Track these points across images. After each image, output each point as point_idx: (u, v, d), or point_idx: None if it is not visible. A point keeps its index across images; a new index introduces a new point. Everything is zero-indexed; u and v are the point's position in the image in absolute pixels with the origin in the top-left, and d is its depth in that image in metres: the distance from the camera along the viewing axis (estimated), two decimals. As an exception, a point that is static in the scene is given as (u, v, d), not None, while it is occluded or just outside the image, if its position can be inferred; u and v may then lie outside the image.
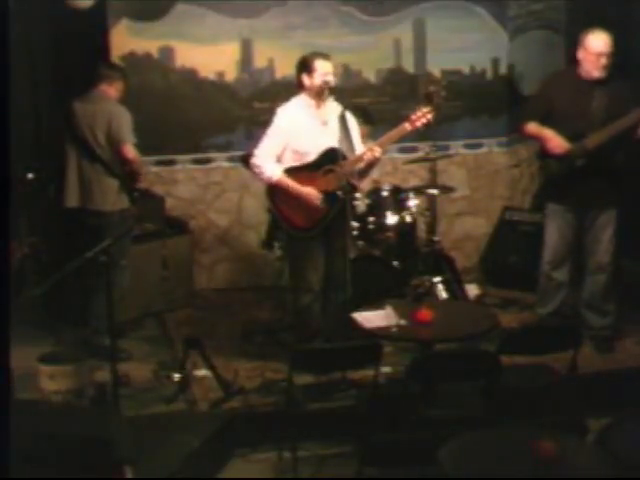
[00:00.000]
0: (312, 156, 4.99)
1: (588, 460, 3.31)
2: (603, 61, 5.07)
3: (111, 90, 5.43)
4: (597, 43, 5.07)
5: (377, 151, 4.86)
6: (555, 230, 5.37)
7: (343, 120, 4.90)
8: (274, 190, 5.08)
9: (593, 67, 5.10)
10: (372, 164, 5.01)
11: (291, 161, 5.01)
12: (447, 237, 6.78)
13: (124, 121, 5.33)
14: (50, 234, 6.02)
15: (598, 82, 5.12)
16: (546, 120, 5.25)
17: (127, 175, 5.40)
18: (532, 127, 5.30)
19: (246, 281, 6.94)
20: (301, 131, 4.98)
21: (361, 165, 4.98)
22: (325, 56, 4.98)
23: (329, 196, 4.96)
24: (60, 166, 5.50)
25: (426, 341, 4.44)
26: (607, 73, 5.10)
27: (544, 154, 5.32)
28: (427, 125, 4.97)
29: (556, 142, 5.17)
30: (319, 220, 5.00)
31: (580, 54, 5.15)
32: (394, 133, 4.96)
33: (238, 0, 6.68)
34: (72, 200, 5.42)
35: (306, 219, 5.02)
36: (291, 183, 4.98)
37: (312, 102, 5.01)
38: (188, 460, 4.18)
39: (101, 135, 5.33)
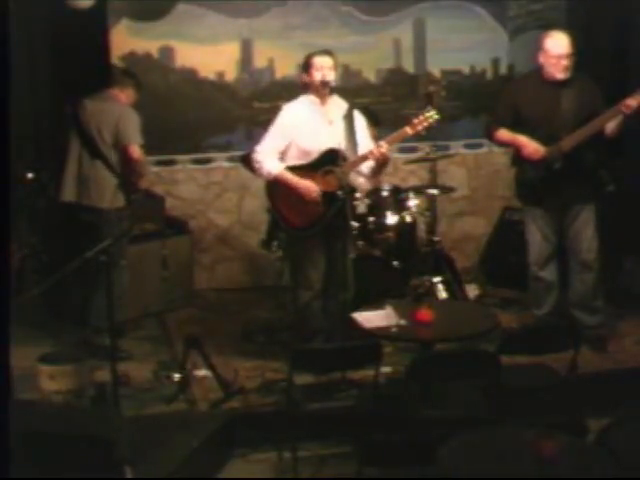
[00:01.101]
0: (315, 155, 4.98)
1: (588, 460, 3.31)
2: (564, 63, 5.05)
3: (122, 95, 5.49)
4: (556, 46, 5.06)
5: (384, 147, 4.81)
6: (536, 231, 5.36)
7: (349, 119, 4.87)
8: (273, 188, 5.07)
9: (555, 69, 5.08)
10: (382, 164, 4.98)
11: (296, 159, 5.00)
12: (447, 237, 6.78)
13: (132, 122, 5.37)
14: (50, 234, 6.02)
15: (564, 83, 5.10)
16: (515, 125, 5.24)
17: (129, 175, 5.42)
18: (503, 134, 5.29)
19: (246, 281, 6.94)
20: (305, 129, 4.96)
21: (368, 164, 4.96)
22: (324, 52, 4.96)
23: (327, 196, 4.95)
24: (60, 162, 5.52)
25: (426, 341, 4.43)
26: (570, 74, 5.09)
27: (519, 160, 5.29)
28: (430, 127, 4.95)
29: (532, 148, 5.15)
30: (316, 220, 4.99)
31: (541, 57, 5.14)
32: (395, 136, 4.93)
33: (238, 0, 6.69)
34: (69, 195, 5.43)
35: (303, 218, 5.01)
36: (290, 177, 4.96)
37: (317, 100, 4.99)
38: (188, 460, 4.18)
39: (107, 134, 5.35)
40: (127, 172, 5.42)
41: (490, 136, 5.41)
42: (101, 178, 5.37)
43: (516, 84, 5.51)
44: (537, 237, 5.37)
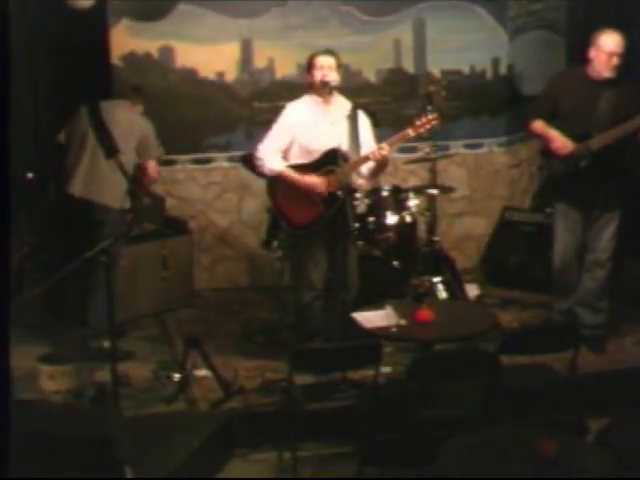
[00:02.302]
0: (317, 154, 4.97)
1: (588, 460, 3.31)
2: (615, 61, 5.06)
3: (133, 109, 5.64)
4: (610, 42, 5.05)
5: (385, 149, 4.81)
6: (564, 228, 5.36)
7: (353, 120, 4.87)
8: (275, 187, 5.08)
9: (604, 67, 5.08)
10: (381, 165, 4.98)
11: (298, 158, 5.01)
12: (447, 237, 6.78)
13: (153, 135, 5.62)
14: (50, 234, 6.02)
15: (607, 82, 5.10)
16: (552, 119, 5.24)
17: (139, 183, 5.61)
18: (538, 125, 5.28)
19: (246, 281, 6.94)
20: (308, 128, 4.97)
21: (368, 165, 4.96)
22: (327, 52, 4.97)
23: (327, 196, 4.95)
24: (62, 157, 5.59)
25: (426, 341, 4.44)
26: (617, 74, 5.10)
27: (548, 153, 5.31)
28: (432, 130, 4.95)
29: (560, 143, 5.16)
30: (316, 219, 4.99)
31: (592, 53, 5.12)
32: (396, 137, 4.93)
33: (238, 0, 6.69)
34: (78, 189, 5.47)
35: (304, 217, 5.01)
36: (293, 174, 4.97)
37: (319, 100, 5.00)
38: (188, 460, 4.18)
39: (131, 141, 5.48)
40: (137, 180, 5.60)
41: (527, 126, 5.40)
42: (115, 178, 5.41)
43: (559, 77, 5.49)
44: (564, 234, 5.36)
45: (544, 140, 5.31)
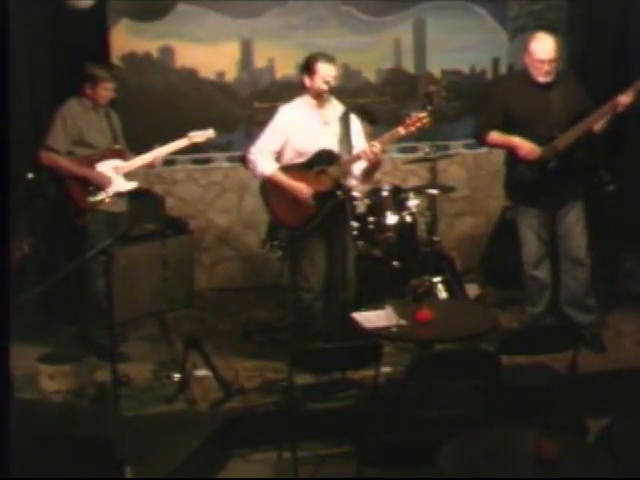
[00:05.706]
0: (310, 156, 4.98)
1: (588, 460, 3.31)
2: (547, 68, 5.03)
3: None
4: (540, 50, 5.03)
5: (377, 146, 4.80)
6: (530, 231, 5.34)
7: (345, 121, 4.87)
8: (267, 188, 5.09)
9: (538, 73, 5.07)
10: (374, 165, 4.98)
11: (291, 159, 5.01)
12: (447, 237, 6.78)
13: (49, 123, 5.20)
14: (50, 234, 6.02)
15: (552, 83, 5.10)
16: (505, 126, 5.20)
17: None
18: (496, 137, 5.23)
19: (246, 281, 6.94)
20: (301, 130, 4.97)
21: (360, 165, 4.96)
22: (329, 59, 4.94)
23: (320, 196, 4.95)
24: None
25: (426, 341, 4.44)
26: (555, 76, 5.08)
27: (513, 161, 5.25)
28: (423, 128, 4.92)
29: (528, 148, 5.10)
30: (309, 219, 4.99)
31: (526, 59, 5.13)
32: (387, 136, 4.92)
33: (238, 0, 6.69)
34: None
35: (296, 218, 5.01)
36: (283, 178, 4.97)
37: (314, 102, 5.00)
38: (188, 460, 4.18)
39: None
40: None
41: (481, 139, 5.34)
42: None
43: (504, 85, 5.49)
44: (530, 236, 5.35)
45: (508, 149, 5.26)
